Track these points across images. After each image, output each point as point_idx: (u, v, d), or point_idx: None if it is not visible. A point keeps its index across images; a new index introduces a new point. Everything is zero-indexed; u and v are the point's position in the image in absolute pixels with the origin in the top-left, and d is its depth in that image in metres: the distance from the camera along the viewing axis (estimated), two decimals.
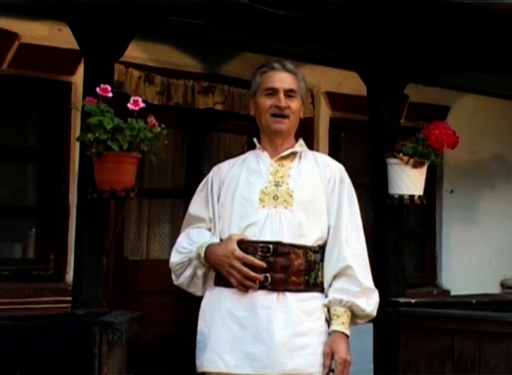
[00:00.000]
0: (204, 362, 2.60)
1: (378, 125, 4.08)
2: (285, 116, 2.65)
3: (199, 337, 2.67)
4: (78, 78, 4.04)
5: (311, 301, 2.56)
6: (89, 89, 3.22)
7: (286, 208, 2.57)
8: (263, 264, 2.50)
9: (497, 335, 3.41)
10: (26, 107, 4.34)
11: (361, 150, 5.16)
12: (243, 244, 2.54)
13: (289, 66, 2.72)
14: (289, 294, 2.51)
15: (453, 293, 5.69)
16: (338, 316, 2.54)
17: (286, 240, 2.54)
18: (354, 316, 2.58)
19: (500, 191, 6.15)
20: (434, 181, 5.72)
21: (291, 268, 2.52)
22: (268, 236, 2.54)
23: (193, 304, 5.05)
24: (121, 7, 3.29)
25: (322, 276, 2.60)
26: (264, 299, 2.50)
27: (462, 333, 3.54)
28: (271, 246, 2.52)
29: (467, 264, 5.84)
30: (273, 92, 2.65)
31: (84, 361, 2.85)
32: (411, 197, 3.85)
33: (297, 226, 2.56)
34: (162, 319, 4.55)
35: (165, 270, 4.69)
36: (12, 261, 4.30)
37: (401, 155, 3.81)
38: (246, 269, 2.50)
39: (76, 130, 3.83)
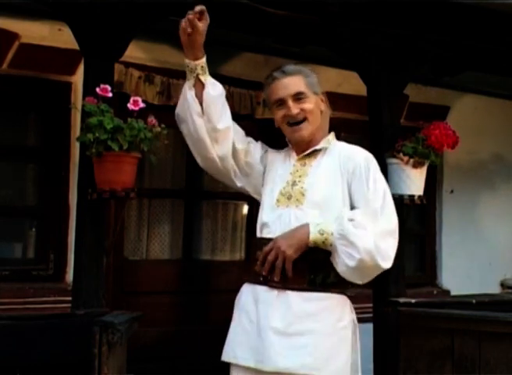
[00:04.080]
0: (223, 352, 2.63)
1: (378, 125, 4.08)
2: (301, 122, 2.62)
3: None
4: (78, 78, 4.04)
5: (319, 301, 2.50)
6: (89, 89, 3.22)
7: (296, 206, 2.56)
8: (258, 255, 2.52)
9: (497, 335, 3.41)
10: (26, 107, 4.35)
11: None
12: (258, 242, 2.62)
13: (289, 68, 2.67)
14: (290, 293, 2.49)
15: (453, 293, 5.69)
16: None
17: None
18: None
19: (500, 191, 6.15)
20: (434, 181, 5.72)
21: (285, 263, 2.47)
22: (276, 235, 2.53)
23: (193, 304, 5.06)
24: (121, 7, 3.29)
25: (339, 276, 2.50)
26: (265, 295, 2.51)
27: (462, 333, 3.54)
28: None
29: (467, 264, 5.84)
30: (282, 102, 2.63)
31: (84, 361, 2.85)
32: (411, 197, 3.85)
33: None
34: (162, 319, 4.56)
35: (165, 270, 4.73)
36: (12, 261, 4.31)
37: (401, 155, 3.81)
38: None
39: (76, 130, 3.83)
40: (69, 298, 3.40)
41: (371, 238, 2.42)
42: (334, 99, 5.21)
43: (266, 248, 2.49)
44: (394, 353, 3.83)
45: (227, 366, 2.63)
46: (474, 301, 4.12)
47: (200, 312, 4.73)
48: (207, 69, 2.64)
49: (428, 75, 5.06)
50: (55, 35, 4.13)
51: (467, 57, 4.55)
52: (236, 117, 5.02)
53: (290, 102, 2.61)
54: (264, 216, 2.63)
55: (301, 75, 2.67)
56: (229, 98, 4.69)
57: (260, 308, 2.50)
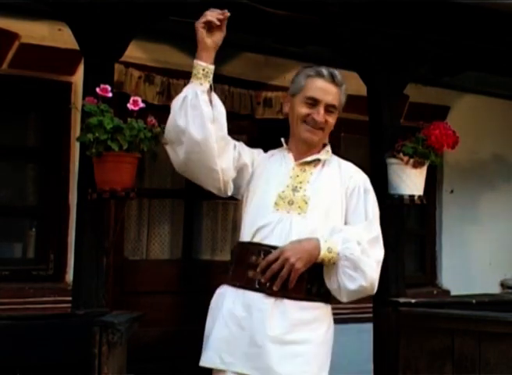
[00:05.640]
0: (204, 357, 2.60)
1: (378, 125, 4.07)
2: (318, 129, 2.62)
3: (205, 333, 2.68)
4: (78, 78, 4.04)
5: (313, 310, 2.52)
6: (89, 89, 3.22)
7: (299, 214, 2.53)
8: (253, 260, 2.51)
9: (497, 335, 3.41)
10: (26, 107, 4.35)
11: (361, 150, 5.16)
12: (252, 246, 2.54)
13: (338, 77, 2.64)
14: (287, 301, 2.48)
15: (453, 293, 5.69)
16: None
17: None
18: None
19: (500, 191, 6.15)
20: (434, 181, 5.72)
21: (291, 275, 2.45)
22: (274, 240, 2.50)
23: (193, 304, 5.07)
24: (121, 7, 3.29)
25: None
26: (261, 302, 2.47)
27: (462, 333, 3.54)
28: (273, 251, 2.48)
29: (467, 264, 5.84)
30: (314, 103, 2.60)
31: (84, 361, 2.85)
32: (411, 197, 3.84)
33: (308, 234, 2.50)
34: (162, 319, 4.56)
35: (165, 270, 4.73)
36: (12, 261, 4.31)
37: (401, 155, 3.80)
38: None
39: (76, 130, 3.83)
40: (69, 298, 3.40)
41: (376, 269, 2.52)
42: None
43: (271, 257, 2.45)
44: (394, 353, 3.83)
45: None
46: (474, 301, 4.11)
47: (200, 312, 4.68)
48: None
49: (428, 75, 5.06)
50: (55, 35, 4.13)
51: (467, 57, 4.55)
52: (236, 117, 5.05)
53: (322, 109, 2.60)
54: (260, 218, 2.56)
55: (341, 90, 2.67)
56: (229, 98, 4.71)
57: (255, 315, 2.47)
